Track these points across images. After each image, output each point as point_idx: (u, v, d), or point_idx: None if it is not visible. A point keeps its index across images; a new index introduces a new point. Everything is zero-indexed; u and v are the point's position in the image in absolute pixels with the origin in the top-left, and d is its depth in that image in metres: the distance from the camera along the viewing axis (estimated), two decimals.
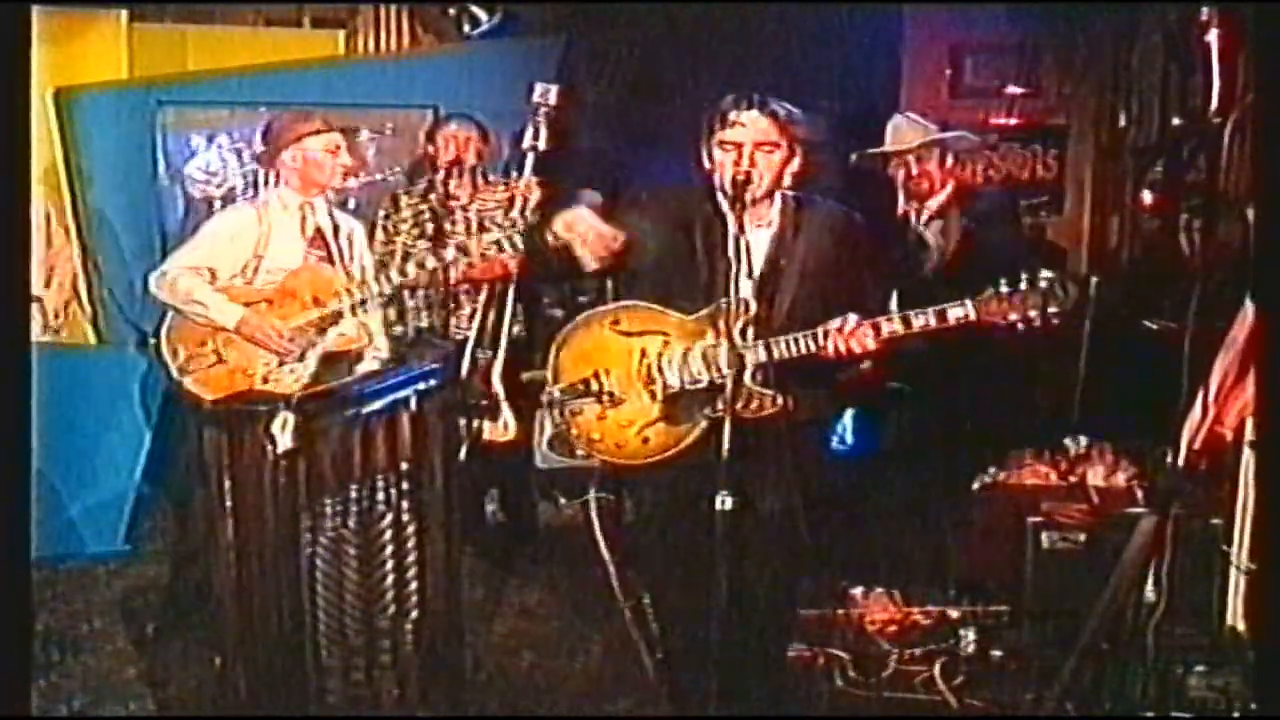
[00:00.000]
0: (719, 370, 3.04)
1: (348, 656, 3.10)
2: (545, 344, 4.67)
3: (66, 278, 5.22)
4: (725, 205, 3.13)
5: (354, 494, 3.04)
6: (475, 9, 5.95)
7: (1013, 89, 6.33)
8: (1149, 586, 3.28)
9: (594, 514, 3.34)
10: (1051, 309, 2.89)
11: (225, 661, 2.93)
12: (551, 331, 4.88)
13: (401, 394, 3.15)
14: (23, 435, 2.49)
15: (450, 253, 4.26)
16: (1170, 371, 3.29)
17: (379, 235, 4.89)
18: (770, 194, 3.13)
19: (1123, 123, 6.22)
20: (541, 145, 4.48)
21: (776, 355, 3.04)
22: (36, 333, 4.96)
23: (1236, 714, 3.26)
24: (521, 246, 4.40)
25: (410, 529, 3.20)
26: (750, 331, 3.05)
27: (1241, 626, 3.25)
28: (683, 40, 5.98)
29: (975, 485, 4.36)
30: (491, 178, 4.98)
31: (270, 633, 2.88)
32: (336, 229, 4.33)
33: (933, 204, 4.62)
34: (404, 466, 3.16)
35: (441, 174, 4.84)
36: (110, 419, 5.01)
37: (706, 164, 3.15)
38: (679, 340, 3.14)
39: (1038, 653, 3.82)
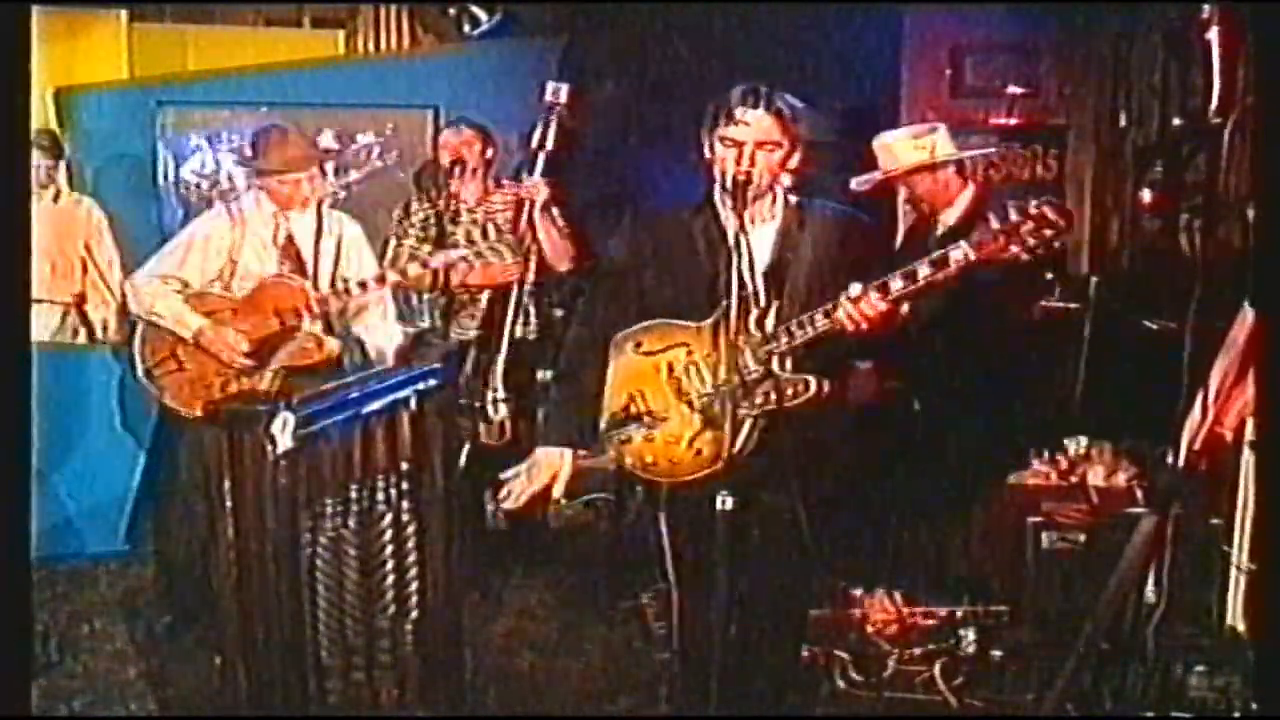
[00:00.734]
0: (745, 367, 3.04)
1: (348, 656, 3.09)
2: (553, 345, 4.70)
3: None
4: (721, 203, 3.12)
5: (354, 494, 3.04)
6: (475, 9, 5.96)
7: (1013, 89, 6.33)
8: (1149, 586, 3.28)
9: (664, 533, 3.30)
10: (1049, 233, 2.85)
11: (225, 661, 2.92)
12: (555, 333, 4.94)
13: (401, 394, 3.15)
14: (23, 435, 2.48)
15: (448, 256, 4.27)
16: (1170, 371, 3.29)
17: (391, 241, 4.92)
18: (770, 188, 3.11)
19: (1123, 123, 6.22)
20: (550, 145, 4.47)
21: (798, 339, 3.01)
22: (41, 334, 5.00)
23: (1236, 714, 3.25)
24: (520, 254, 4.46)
25: (410, 529, 3.20)
26: (767, 322, 3.05)
27: (1241, 626, 3.25)
28: (682, 40, 5.98)
29: (975, 485, 4.36)
30: (504, 181, 5.00)
31: (270, 633, 2.87)
32: (319, 234, 4.34)
33: (950, 217, 4.48)
34: (404, 466, 3.16)
35: (449, 178, 4.86)
36: (110, 419, 5.01)
37: (707, 154, 3.13)
38: (700, 348, 3.13)
39: (1038, 653, 3.82)
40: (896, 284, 2.93)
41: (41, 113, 5.37)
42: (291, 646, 2.93)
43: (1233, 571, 3.26)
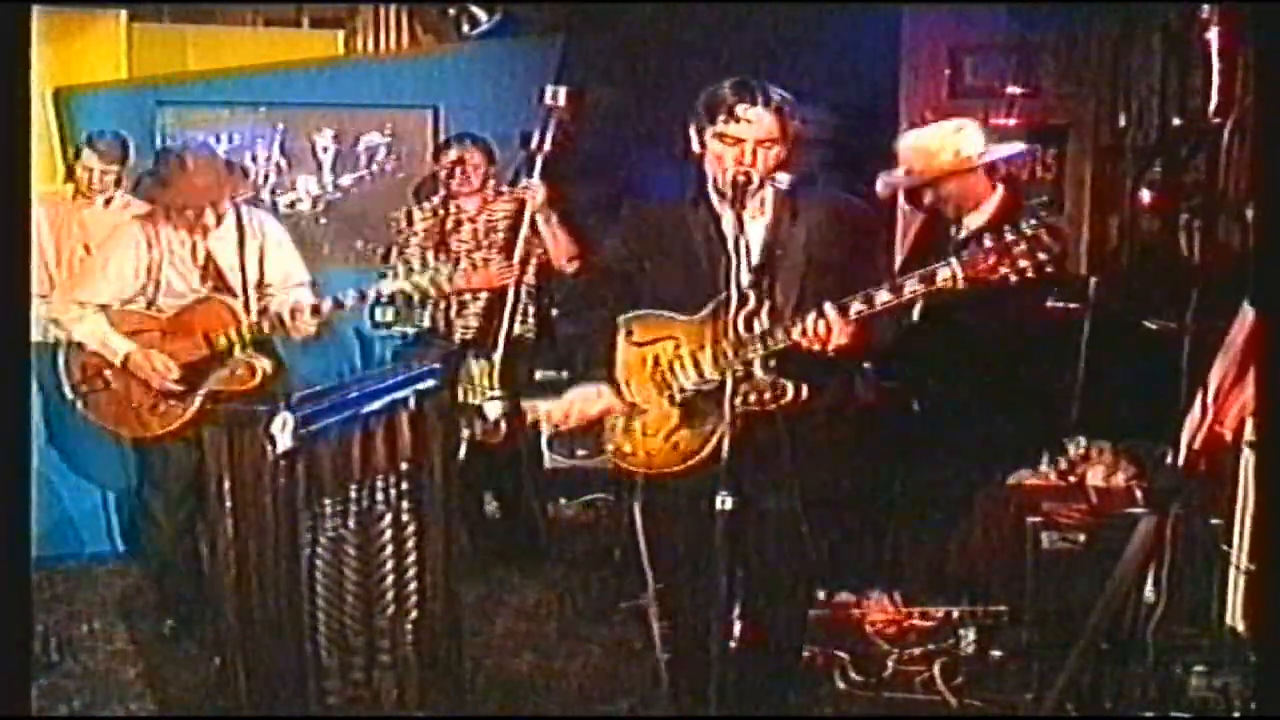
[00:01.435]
0: (728, 367, 3.03)
1: (348, 656, 3.10)
2: (551, 345, 4.69)
3: None
4: (716, 199, 3.11)
5: (354, 494, 3.04)
6: (475, 9, 5.95)
7: (1013, 89, 6.32)
8: (1149, 586, 3.28)
9: (638, 520, 3.31)
10: (1042, 256, 2.84)
11: (225, 661, 2.92)
12: (553, 332, 4.95)
13: (401, 394, 3.15)
14: (23, 435, 2.48)
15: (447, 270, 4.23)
16: (1170, 371, 3.29)
17: (393, 250, 4.91)
18: (763, 185, 3.10)
19: (1123, 123, 6.21)
20: (548, 147, 4.46)
21: (769, 348, 3.02)
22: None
23: (1236, 714, 3.25)
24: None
25: (410, 529, 3.20)
26: (756, 323, 3.04)
27: (1241, 626, 3.25)
28: (681, 40, 5.97)
29: (975, 486, 4.36)
30: (503, 190, 5.00)
31: (270, 633, 2.88)
32: (242, 243, 4.22)
33: (974, 221, 4.32)
34: (404, 466, 3.16)
35: (450, 186, 4.86)
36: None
37: (697, 148, 3.10)
38: (688, 343, 3.13)
39: (1038, 653, 3.81)
40: (881, 295, 2.92)
41: (41, 113, 5.36)
42: (291, 646, 2.93)
43: (1233, 571, 3.26)
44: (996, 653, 3.98)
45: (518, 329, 4.80)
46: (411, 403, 3.17)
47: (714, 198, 3.14)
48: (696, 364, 3.11)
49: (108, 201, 4.98)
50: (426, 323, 4.91)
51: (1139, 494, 4.09)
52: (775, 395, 3.03)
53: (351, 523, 3.05)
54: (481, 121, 5.08)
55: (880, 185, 4.44)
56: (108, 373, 4.16)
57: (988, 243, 2.84)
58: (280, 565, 2.86)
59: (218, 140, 5.87)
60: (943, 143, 4.36)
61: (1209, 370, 3.24)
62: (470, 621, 3.78)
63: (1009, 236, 2.82)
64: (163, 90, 5.77)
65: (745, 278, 2.99)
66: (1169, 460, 3.33)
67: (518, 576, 4.83)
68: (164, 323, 4.15)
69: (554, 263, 4.78)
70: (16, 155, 2.53)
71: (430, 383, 3.25)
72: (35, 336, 4.39)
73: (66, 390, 4.23)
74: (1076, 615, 3.48)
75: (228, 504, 2.78)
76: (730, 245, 2.98)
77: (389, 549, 3.15)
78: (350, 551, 3.06)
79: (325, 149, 6.00)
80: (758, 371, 3.02)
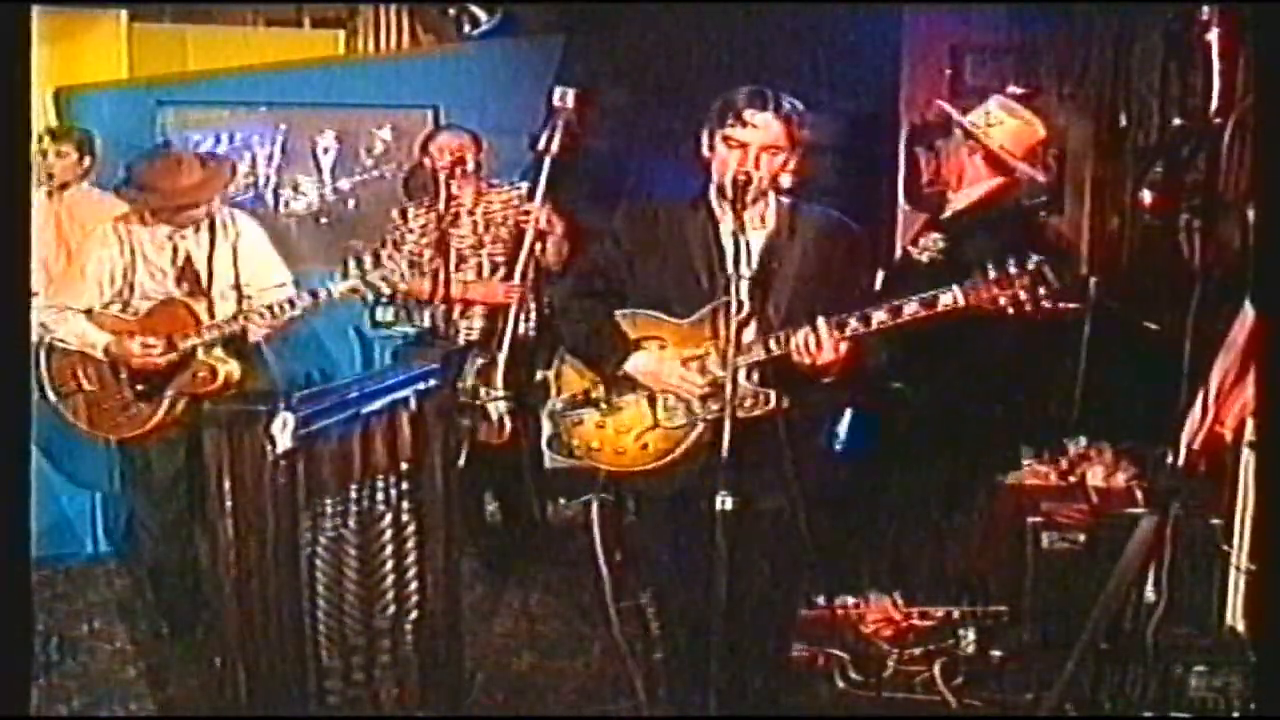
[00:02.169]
0: (713, 372, 3.05)
1: (348, 656, 3.09)
2: (550, 347, 4.67)
3: None
4: (717, 202, 3.12)
5: (354, 494, 3.04)
6: (475, 9, 5.95)
7: (1013, 89, 6.32)
8: (1149, 586, 3.28)
9: (595, 517, 3.34)
10: (1041, 291, 2.86)
11: (225, 661, 2.92)
12: (551, 332, 4.94)
13: (401, 394, 3.15)
14: (23, 435, 2.48)
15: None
16: (1170, 371, 3.29)
17: (385, 247, 4.90)
18: (764, 194, 3.11)
19: (1123, 123, 6.21)
20: (555, 149, 4.45)
21: (764, 356, 3.04)
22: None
23: (1236, 714, 3.26)
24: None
25: (410, 529, 3.20)
26: (748, 331, 3.05)
27: (1241, 626, 3.25)
28: (681, 40, 5.97)
29: (975, 486, 4.36)
30: (495, 181, 4.99)
31: (270, 633, 2.87)
32: (214, 244, 4.20)
33: (960, 201, 4.37)
34: (404, 467, 3.16)
35: (449, 179, 4.84)
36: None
37: (706, 153, 3.13)
38: (675, 345, 3.14)
39: (1038, 653, 3.82)
40: (880, 316, 2.96)
41: (41, 113, 5.37)
42: (291, 646, 2.93)
43: (1233, 571, 3.26)
44: (996, 653, 3.98)
45: (521, 329, 4.79)
46: (411, 403, 3.17)
47: (714, 202, 3.15)
48: (684, 367, 3.12)
49: (63, 187, 4.98)
50: (427, 323, 4.91)
51: (1139, 494, 4.09)
52: (752, 406, 3.04)
53: (351, 523, 3.04)
54: (482, 121, 5.08)
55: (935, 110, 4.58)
56: (82, 375, 4.18)
57: (992, 273, 2.87)
58: (280, 565, 2.86)
59: (217, 140, 5.87)
60: (989, 112, 4.46)
61: (1209, 370, 3.24)
62: (470, 622, 3.78)
63: (1013, 270, 2.86)
64: (163, 90, 5.77)
65: (740, 286, 2.99)
66: (1169, 460, 3.33)
67: (518, 576, 4.82)
68: (134, 324, 4.17)
69: (553, 267, 4.77)
70: (16, 155, 2.53)
71: (430, 383, 3.25)
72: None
73: (49, 392, 4.24)
74: (1076, 615, 3.47)
75: (228, 504, 2.78)
76: (730, 251, 2.99)
77: (389, 549, 3.15)
78: (350, 551, 3.05)
79: (326, 149, 6.00)
80: (741, 380, 3.02)
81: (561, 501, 5.66)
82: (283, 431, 2.75)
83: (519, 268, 4.62)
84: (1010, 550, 4.07)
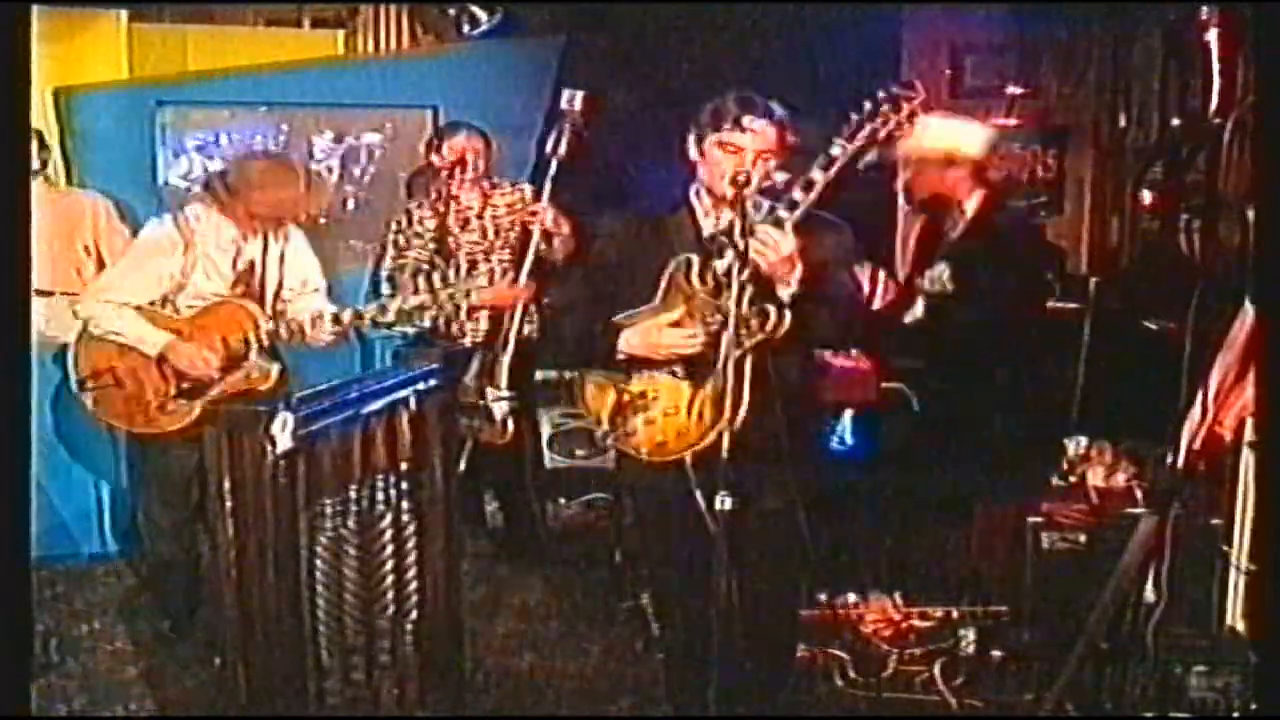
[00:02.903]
0: (711, 317, 3.07)
1: (348, 656, 3.09)
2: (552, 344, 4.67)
3: None
4: (700, 208, 3.18)
5: (354, 494, 3.04)
6: (475, 9, 5.96)
7: (1013, 89, 6.33)
8: (1149, 586, 3.28)
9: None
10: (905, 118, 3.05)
11: (225, 661, 2.92)
12: (554, 331, 4.93)
13: (401, 394, 3.15)
14: (23, 435, 2.48)
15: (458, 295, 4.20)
16: (1170, 371, 3.29)
17: (390, 251, 4.89)
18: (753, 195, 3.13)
19: (1123, 123, 6.22)
20: (563, 152, 4.44)
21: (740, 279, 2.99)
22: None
23: (1236, 714, 3.25)
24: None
25: (410, 529, 3.20)
26: (714, 271, 3.06)
27: (1241, 626, 3.24)
28: (681, 41, 5.98)
29: (975, 486, 4.36)
30: (496, 179, 4.98)
31: (270, 633, 2.87)
32: (267, 248, 4.21)
33: (960, 224, 4.43)
34: (404, 466, 3.16)
35: (451, 182, 4.83)
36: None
37: (695, 156, 3.16)
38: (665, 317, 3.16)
39: (1038, 653, 3.81)
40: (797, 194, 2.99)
41: (41, 113, 5.36)
42: (291, 647, 2.93)
43: (1233, 571, 3.25)
44: (996, 653, 3.98)
45: (525, 330, 4.78)
46: (412, 403, 3.17)
47: (697, 207, 3.20)
48: (679, 329, 3.14)
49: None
50: (427, 323, 4.90)
51: (1139, 494, 4.09)
52: (763, 324, 3.03)
53: (351, 523, 3.04)
54: (482, 121, 5.07)
55: (865, 161, 4.47)
56: (120, 369, 4.15)
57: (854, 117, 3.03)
58: (280, 565, 2.86)
59: (218, 140, 5.87)
60: (944, 134, 4.40)
61: (1209, 370, 3.24)
62: (470, 621, 3.78)
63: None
64: (163, 90, 5.77)
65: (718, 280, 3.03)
66: (1169, 460, 3.33)
67: (518, 577, 4.83)
68: (183, 324, 4.14)
69: (561, 264, 4.74)
70: (16, 155, 2.53)
71: (430, 383, 3.25)
72: (51, 332, 4.46)
73: (73, 384, 4.22)
74: (1076, 615, 3.47)
75: (228, 504, 2.78)
76: (741, 247, 2.99)
77: (389, 549, 3.15)
78: (350, 551, 3.05)
79: (325, 150, 6.00)
80: (744, 309, 3.00)
81: (561, 501, 5.67)
82: (283, 431, 2.75)
83: (525, 268, 4.61)
84: (1010, 550, 4.07)
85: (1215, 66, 4.90)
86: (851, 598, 4.29)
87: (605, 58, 5.96)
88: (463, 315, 4.82)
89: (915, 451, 4.44)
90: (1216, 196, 4.62)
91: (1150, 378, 3.82)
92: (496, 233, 4.89)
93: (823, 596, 4.18)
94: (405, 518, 3.18)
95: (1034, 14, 6.19)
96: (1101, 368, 4.90)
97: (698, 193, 3.21)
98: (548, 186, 4.52)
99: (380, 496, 3.11)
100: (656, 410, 3.19)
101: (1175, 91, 5.60)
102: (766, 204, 3.05)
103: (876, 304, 3.30)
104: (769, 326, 3.03)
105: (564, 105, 4.44)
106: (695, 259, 3.08)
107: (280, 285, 4.27)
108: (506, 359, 4.64)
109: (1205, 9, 5.01)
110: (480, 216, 4.90)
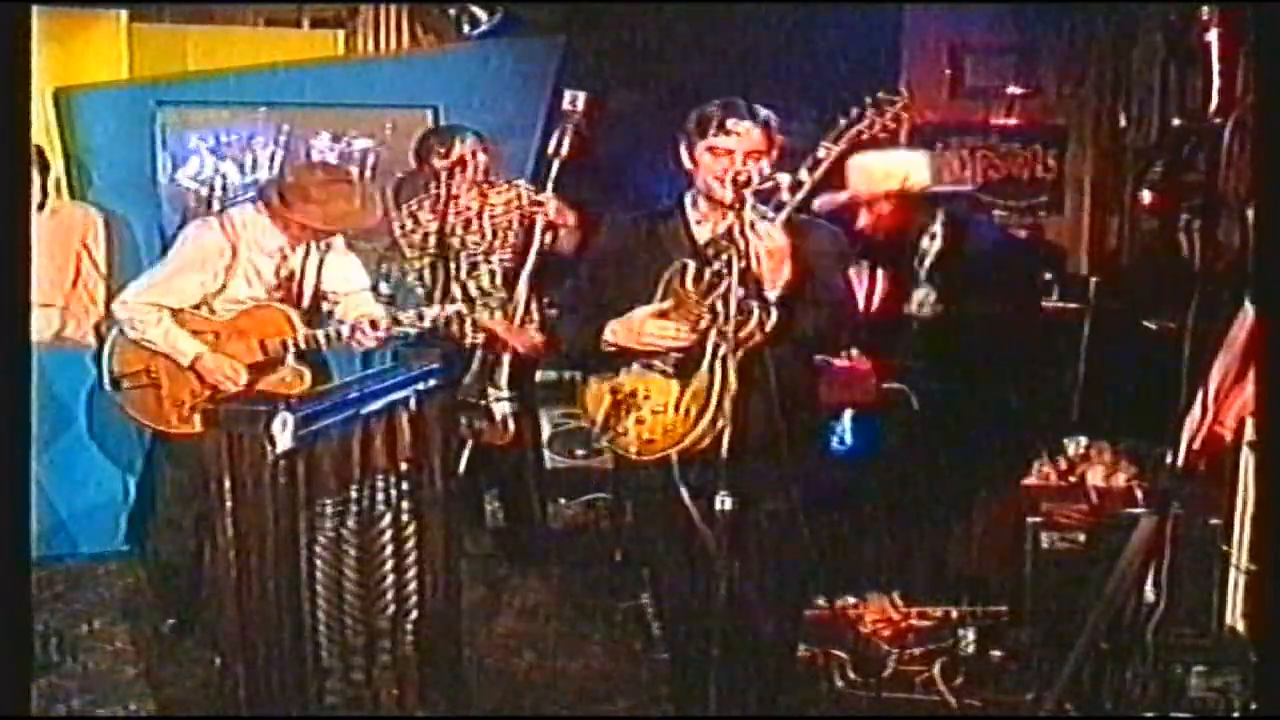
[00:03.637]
0: (699, 315, 3.08)
1: (348, 656, 3.09)
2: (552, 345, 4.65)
3: None
4: (694, 213, 3.20)
5: (354, 494, 3.04)
6: (475, 9, 5.95)
7: (1013, 89, 6.34)
8: (1149, 586, 3.28)
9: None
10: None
11: (225, 661, 2.92)
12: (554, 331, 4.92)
13: (401, 394, 3.15)
14: (23, 435, 2.48)
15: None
16: (1170, 371, 3.29)
17: (407, 254, 4.88)
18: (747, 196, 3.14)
19: (1123, 123, 6.22)
20: (565, 152, 4.43)
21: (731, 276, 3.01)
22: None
23: (1236, 714, 3.26)
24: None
25: (410, 529, 3.19)
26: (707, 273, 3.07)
27: (1241, 626, 3.25)
28: (681, 40, 5.98)
29: (975, 486, 4.36)
30: (492, 179, 4.96)
31: (270, 633, 2.87)
32: (308, 252, 4.22)
33: (931, 251, 4.38)
34: (404, 466, 3.16)
35: (451, 183, 4.81)
36: (109, 418, 5.00)
37: (689, 164, 3.20)
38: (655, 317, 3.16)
39: (1038, 653, 3.82)
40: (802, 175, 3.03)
41: (41, 113, 5.36)
42: (291, 646, 2.92)
43: (1233, 571, 3.26)
44: (996, 653, 3.98)
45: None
46: (412, 403, 3.16)
47: (691, 214, 3.22)
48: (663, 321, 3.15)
49: (40, 206, 4.96)
50: (428, 323, 4.89)
51: (1139, 494, 4.10)
52: (747, 322, 3.02)
53: (351, 523, 3.04)
54: (482, 121, 5.07)
55: (819, 203, 4.43)
56: (155, 370, 4.16)
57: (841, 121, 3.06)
58: (280, 565, 2.86)
59: (218, 140, 5.87)
60: (890, 169, 4.33)
61: (1209, 370, 3.24)
62: (470, 621, 3.78)
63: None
64: (163, 90, 5.77)
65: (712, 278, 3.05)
66: (1169, 460, 3.34)
67: (518, 577, 4.83)
68: (219, 326, 4.15)
69: (567, 256, 4.72)
70: (17, 155, 2.53)
71: (430, 383, 3.25)
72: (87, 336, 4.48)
73: (106, 382, 4.24)
74: (1076, 615, 3.48)
75: (228, 504, 2.78)
76: (741, 246, 3.00)
77: (389, 549, 3.15)
78: (350, 551, 3.05)
79: (325, 149, 6.00)
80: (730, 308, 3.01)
81: (561, 501, 5.67)
82: (283, 431, 2.75)
83: (528, 267, 4.60)
84: (1010, 550, 4.07)
85: (1215, 66, 4.90)
86: (851, 598, 4.29)
87: (605, 58, 5.96)
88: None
89: (915, 451, 4.43)
90: (1216, 196, 4.62)
91: (1150, 378, 3.83)
92: (495, 233, 4.87)
93: (822, 598, 4.18)
94: (405, 518, 3.18)
95: (1034, 14, 6.19)
96: (1101, 368, 4.90)
97: (694, 200, 3.23)
98: (549, 186, 4.52)
99: (380, 496, 3.10)
100: (646, 409, 3.20)
101: (1175, 91, 5.60)
102: (755, 204, 3.05)
103: (873, 306, 3.28)
104: (754, 325, 3.04)
105: (566, 106, 4.43)
106: (691, 265, 3.10)
107: (317, 290, 4.28)
108: (507, 359, 4.63)
109: (1205, 9, 5.01)
110: (479, 217, 4.89)
